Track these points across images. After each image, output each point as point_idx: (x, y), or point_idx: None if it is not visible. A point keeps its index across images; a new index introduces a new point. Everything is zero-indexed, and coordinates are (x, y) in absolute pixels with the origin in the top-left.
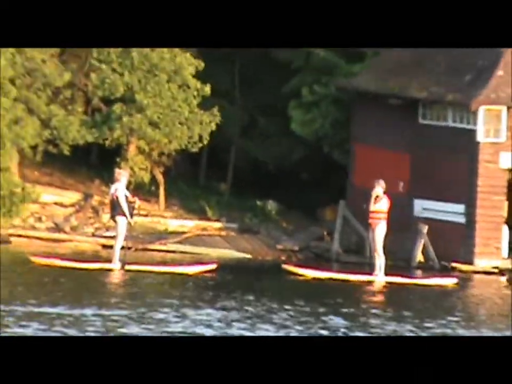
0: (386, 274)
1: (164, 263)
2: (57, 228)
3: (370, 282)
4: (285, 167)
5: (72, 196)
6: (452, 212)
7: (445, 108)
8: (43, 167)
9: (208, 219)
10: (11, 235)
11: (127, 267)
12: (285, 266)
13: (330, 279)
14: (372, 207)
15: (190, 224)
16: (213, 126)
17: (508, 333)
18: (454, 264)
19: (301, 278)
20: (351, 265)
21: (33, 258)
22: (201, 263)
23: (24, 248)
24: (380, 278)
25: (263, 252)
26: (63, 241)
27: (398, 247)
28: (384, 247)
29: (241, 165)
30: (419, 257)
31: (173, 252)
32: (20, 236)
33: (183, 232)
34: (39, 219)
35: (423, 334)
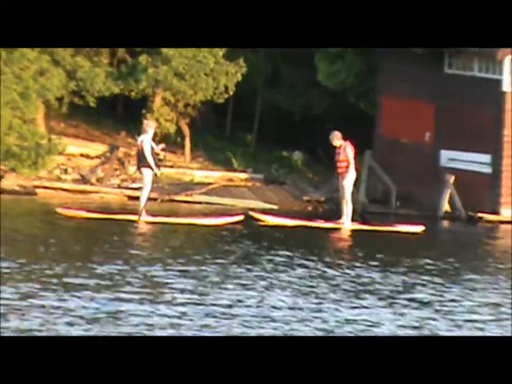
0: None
1: (190, 214)
2: (83, 180)
3: (337, 230)
4: (311, 118)
5: (98, 148)
6: (478, 162)
7: (471, 57)
8: (69, 119)
9: (234, 170)
10: (37, 187)
11: (152, 219)
12: (251, 213)
13: (296, 226)
14: (338, 157)
15: (216, 175)
16: (239, 77)
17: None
18: (480, 214)
19: (262, 224)
20: (377, 216)
21: (59, 210)
22: (228, 214)
23: (50, 199)
24: (347, 225)
25: (289, 203)
26: (89, 192)
27: (425, 198)
28: (352, 194)
29: (267, 116)
30: (445, 207)
31: (199, 203)
32: (45, 187)
33: (209, 183)
34: (65, 171)
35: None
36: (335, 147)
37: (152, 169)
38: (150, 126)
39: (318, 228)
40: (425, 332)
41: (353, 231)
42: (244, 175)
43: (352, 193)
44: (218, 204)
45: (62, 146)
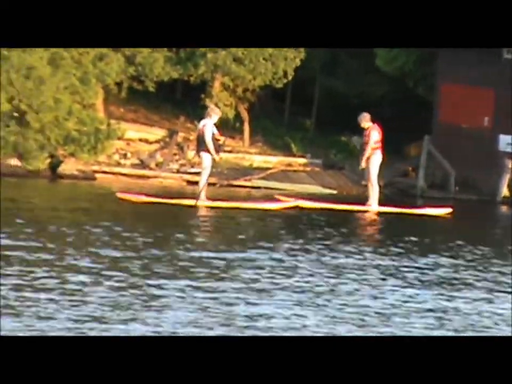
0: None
1: (250, 199)
2: (142, 165)
3: (364, 212)
4: (369, 103)
5: (157, 133)
6: None
7: None
8: (128, 104)
9: (293, 155)
10: (96, 171)
11: (211, 203)
12: (277, 196)
13: (324, 209)
14: (364, 139)
15: (275, 160)
16: (298, 62)
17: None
18: None
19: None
20: (436, 200)
21: (119, 195)
22: (285, 200)
23: (109, 184)
24: (374, 208)
25: (348, 188)
26: (148, 177)
27: (483, 182)
28: (378, 176)
29: (325, 101)
30: (504, 191)
31: (258, 187)
32: (105, 172)
33: (268, 168)
34: (124, 156)
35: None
36: (363, 128)
37: (211, 154)
38: (214, 112)
39: (346, 210)
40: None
41: (381, 213)
42: (302, 160)
43: (378, 175)
44: (277, 189)
45: (121, 131)
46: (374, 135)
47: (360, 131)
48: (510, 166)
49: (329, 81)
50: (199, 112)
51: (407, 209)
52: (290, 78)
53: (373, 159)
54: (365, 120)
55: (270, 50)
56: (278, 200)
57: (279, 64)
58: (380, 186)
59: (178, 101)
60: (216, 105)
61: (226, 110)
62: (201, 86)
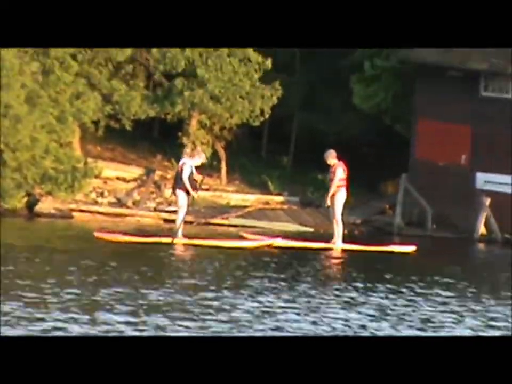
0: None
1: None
2: (120, 203)
3: (329, 250)
4: (346, 141)
5: (134, 171)
6: None
7: (507, 80)
8: (105, 142)
9: (270, 193)
10: (73, 210)
11: (188, 241)
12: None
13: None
14: (330, 176)
15: (252, 198)
16: (275, 100)
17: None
18: None
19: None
20: (414, 239)
21: (96, 234)
22: (275, 236)
23: (86, 223)
24: (338, 245)
25: (325, 226)
26: (125, 216)
27: (461, 220)
28: (342, 215)
29: (302, 139)
30: (482, 229)
31: (235, 226)
32: (82, 211)
33: (245, 206)
34: (101, 194)
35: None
36: (329, 165)
37: (187, 192)
38: (200, 155)
39: (310, 248)
40: None
41: (344, 250)
42: (279, 198)
43: (342, 214)
44: (255, 227)
45: (98, 170)
46: (339, 172)
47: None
48: (487, 204)
49: (307, 118)
50: (176, 151)
51: (372, 246)
52: (267, 116)
53: (338, 197)
54: (331, 157)
55: (247, 88)
56: (254, 239)
57: (256, 102)
58: (356, 224)
59: (156, 139)
60: (193, 143)
61: (203, 148)
62: (178, 124)
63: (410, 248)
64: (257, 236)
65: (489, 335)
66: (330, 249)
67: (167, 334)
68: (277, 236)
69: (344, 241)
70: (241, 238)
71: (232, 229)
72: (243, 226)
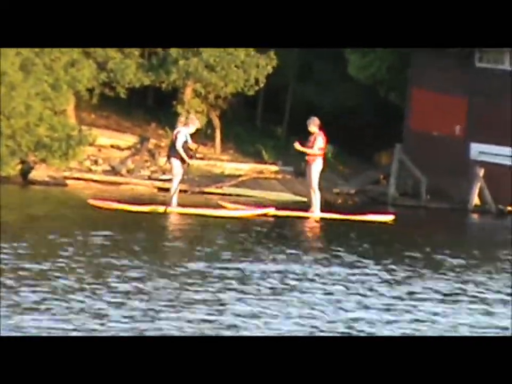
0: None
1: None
2: (114, 171)
3: (306, 218)
4: (341, 111)
5: (128, 139)
6: (508, 155)
7: (501, 51)
8: (99, 110)
9: (264, 162)
10: (67, 178)
11: (182, 209)
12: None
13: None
14: (308, 144)
15: (246, 168)
16: (269, 69)
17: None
18: (510, 208)
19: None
20: (408, 209)
21: (90, 201)
22: (258, 207)
23: (80, 190)
24: (316, 214)
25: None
26: (119, 184)
27: (455, 191)
28: (319, 183)
29: (297, 109)
30: (475, 200)
31: (229, 195)
32: (76, 178)
33: (239, 175)
34: (96, 162)
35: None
36: (309, 133)
37: (182, 160)
38: (193, 122)
39: (288, 216)
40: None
41: (322, 219)
42: (274, 168)
43: (319, 183)
44: (248, 196)
45: (92, 138)
46: (319, 141)
47: (332, 139)
48: (481, 175)
49: (302, 89)
50: (170, 119)
51: (349, 215)
52: (262, 85)
53: (314, 166)
54: (314, 125)
55: (242, 57)
56: (251, 207)
57: (250, 71)
58: (350, 194)
59: (150, 107)
60: (188, 112)
61: (198, 117)
62: (172, 93)
63: (388, 218)
64: (237, 205)
65: (489, 335)
66: (308, 217)
67: (167, 334)
68: (257, 206)
69: (330, 210)
70: (221, 207)
71: (226, 198)
72: (237, 195)
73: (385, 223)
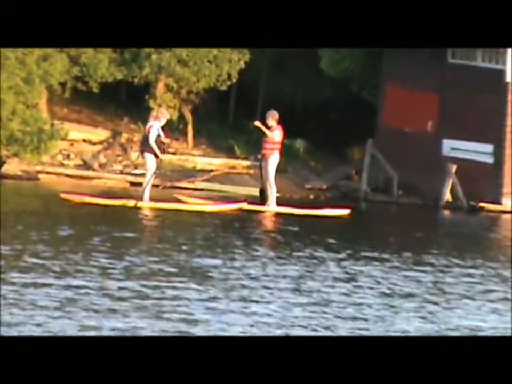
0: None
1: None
2: (86, 165)
3: (262, 212)
4: (313, 106)
5: (100, 133)
6: (480, 151)
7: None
8: (72, 104)
9: (237, 157)
10: (39, 172)
11: (154, 204)
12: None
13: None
14: (265, 138)
15: (218, 162)
16: (242, 64)
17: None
18: (482, 204)
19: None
20: (379, 204)
21: (63, 195)
22: (230, 201)
23: (53, 185)
24: (272, 208)
25: (291, 191)
26: (92, 178)
27: (427, 187)
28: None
29: (270, 104)
30: (447, 196)
31: (201, 189)
32: (48, 173)
33: (211, 170)
34: (68, 156)
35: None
36: (267, 126)
37: (155, 155)
38: (163, 115)
39: (247, 210)
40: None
41: (278, 214)
42: (246, 163)
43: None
44: (220, 191)
45: (64, 132)
46: (277, 135)
47: (304, 134)
48: (453, 171)
49: (274, 84)
50: (143, 114)
51: (306, 210)
52: (234, 80)
53: (271, 160)
54: (273, 118)
55: (215, 52)
56: (224, 202)
57: (223, 66)
58: (322, 189)
59: (122, 102)
60: (160, 106)
61: (170, 112)
62: (145, 88)
63: (345, 212)
64: (196, 199)
65: (488, 335)
66: (264, 211)
67: (167, 335)
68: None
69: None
70: (179, 201)
71: (197, 193)
72: (209, 190)
73: (341, 217)
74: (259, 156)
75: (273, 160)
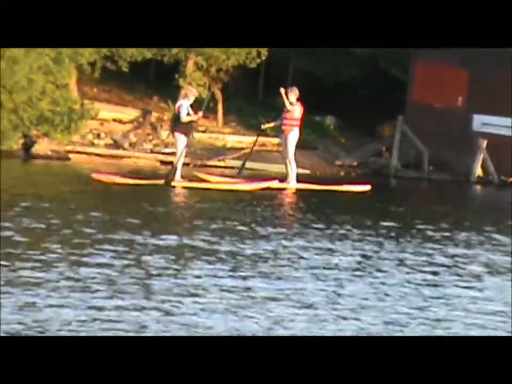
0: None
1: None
2: (116, 145)
3: (283, 189)
4: (343, 83)
5: (130, 113)
6: (511, 126)
7: None
8: (101, 84)
9: (267, 135)
10: (70, 152)
11: (186, 183)
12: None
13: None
14: (285, 114)
15: (248, 140)
16: None
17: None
18: None
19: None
20: (410, 180)
21: (93, 175)
22: (262, 179)
23: (83, 165)
24: (292, 185)
25: (321, 168)
26: (122, 157)
27: (457, 163)
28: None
29: (299, 81)
30: (478, 172)
31: (231, 167)
32: (78, 152)
33: (241, 148)
34: (98, 136)
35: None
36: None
37: (185, 134)
38: (192, 92)
39: (267, 188)
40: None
41: (300, 190)
42: (276, 140)
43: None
44: (251, 169)
45: (94, 111)
46: (296, 111)
47: (334, 111)
48: (483, 146)
49: (303, 61)
50: (172, 92)
51: (326, 185)
52: (263, 58)
53: (291, 136)
54: (294, 95)
55: None
56: (257, 180)
57: None
58: (353, 166)
59: (152, 81)
60: (190, 84)
61: (200, 90)
62: (174, 66)
63: (366, 188)
64: (216, 177)
65: (489, 335)
66: (285, 188)
67: (167, 335)
68: (274, 178)
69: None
70: (206, 181)
71: (228, 171)
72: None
73: (363, 192)
74: (280, 134)
75: (293, 136)
